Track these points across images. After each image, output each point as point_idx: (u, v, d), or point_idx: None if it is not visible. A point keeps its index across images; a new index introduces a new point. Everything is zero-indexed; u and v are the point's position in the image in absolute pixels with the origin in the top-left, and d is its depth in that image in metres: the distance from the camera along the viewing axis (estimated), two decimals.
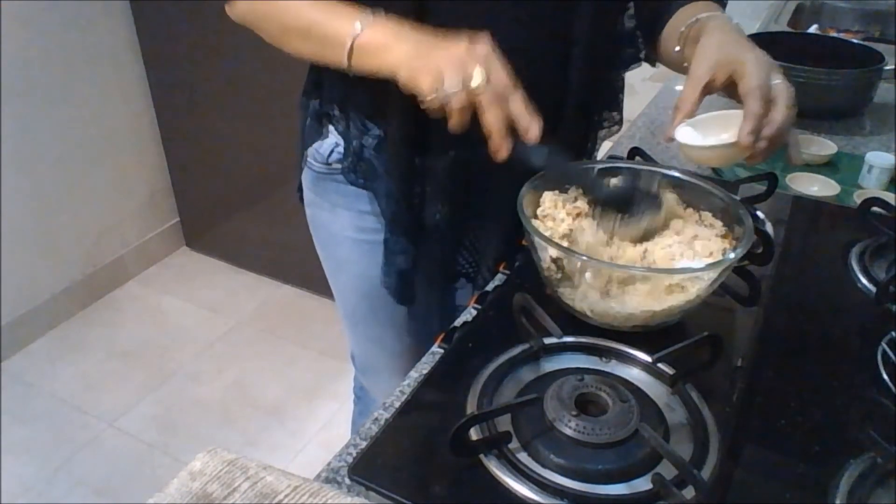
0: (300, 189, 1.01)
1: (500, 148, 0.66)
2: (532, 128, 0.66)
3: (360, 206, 0.92)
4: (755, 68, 0.70)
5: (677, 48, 0.82)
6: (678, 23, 0.83)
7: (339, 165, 0.90)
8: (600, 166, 0.82)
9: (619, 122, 0.98)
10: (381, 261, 0.93)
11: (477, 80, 0.64)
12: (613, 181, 0.80)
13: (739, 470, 0.56)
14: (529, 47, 0.79)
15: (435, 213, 0.88)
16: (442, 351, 0.69)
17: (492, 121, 0.65)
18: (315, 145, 0.92)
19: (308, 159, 0.94)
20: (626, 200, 0.76)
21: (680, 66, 0.81)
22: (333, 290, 1.07)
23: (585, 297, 0.68)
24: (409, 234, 0.89)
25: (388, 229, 0.90)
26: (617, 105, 0.97)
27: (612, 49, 0.91)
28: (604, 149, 1.08)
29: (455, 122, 0.66)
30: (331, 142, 0.90)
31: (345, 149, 0.89)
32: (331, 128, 0.90)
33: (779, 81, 0.70)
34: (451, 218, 0.88)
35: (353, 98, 0.86)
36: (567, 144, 0.90)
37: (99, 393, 1.98)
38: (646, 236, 0.75)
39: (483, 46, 0.66)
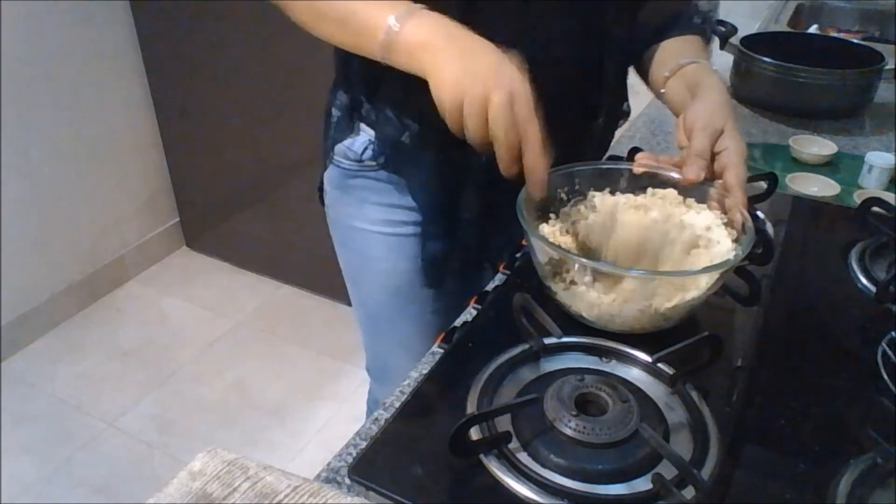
0: (321, 188, 0.99)
1: (510, 174, 0.66)
2: (538, 173, 0.66)
3: (390, 199, 0.91)
4: (737, 141, 0.73)
5: (662, 90, 0.84)
6: (663, 61, 0.84)
7: (372, 162, 0.89)
8: (600, 166, 0.82)
9: (628, 113, 0.99)
10: (410, 254, 0.93)
11: (496, 111, 0.62)
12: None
13: (739, 470, 0.56)
14: (568, 42, 0.79)
15: (470, 203, 0.88)
16: (442, 351, 0.69)
17: (502, 153, 0.64)
18: (346, 143, 0.90)
19: (335, 157, 0.92)
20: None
21: (665, 102, 0.86)
22: (355, 294, 1.05)
23: (584, 298, 0.68)
24: (445, 222, 0.89)
25: (423, 218, 0.90)
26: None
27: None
28: None
29: (473, 141, 0.65)
30: (363, 139, 0.88)
31: (380, 142, 0.87)
32: (362, 125, 0.88)
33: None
34: (487, 207, 0.88)
35: (385, 92, 0.84)
36: (601, 140, 0.93)
37: (99, 393, 1.98)
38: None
39: (511, 68, 0.63)
